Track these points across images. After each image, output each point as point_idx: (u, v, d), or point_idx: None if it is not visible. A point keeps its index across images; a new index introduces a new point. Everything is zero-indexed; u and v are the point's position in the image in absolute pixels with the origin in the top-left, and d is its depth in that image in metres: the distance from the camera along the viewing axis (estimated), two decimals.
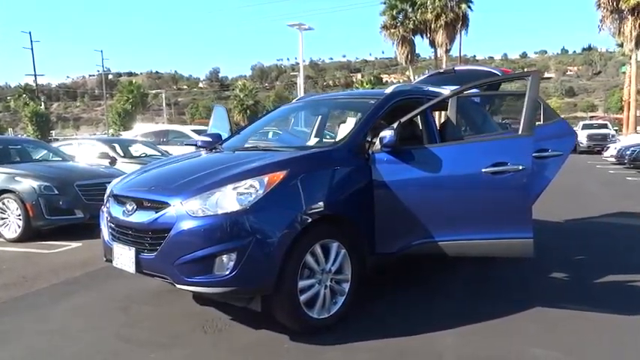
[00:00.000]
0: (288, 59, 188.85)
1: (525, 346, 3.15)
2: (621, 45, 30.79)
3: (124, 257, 3.37)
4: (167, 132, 12.81)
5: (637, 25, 29.02)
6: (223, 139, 5.02)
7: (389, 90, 4.37)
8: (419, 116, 4.69)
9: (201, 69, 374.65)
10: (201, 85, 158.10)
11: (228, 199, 3.08)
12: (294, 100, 5.25)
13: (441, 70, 6.75)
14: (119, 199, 3.63)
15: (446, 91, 5.06)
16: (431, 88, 4.83)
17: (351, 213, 3.53)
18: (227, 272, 3.00)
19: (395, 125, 3.58)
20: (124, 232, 3.44)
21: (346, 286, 3.52)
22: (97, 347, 3.26)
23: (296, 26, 25.77)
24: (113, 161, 9.65)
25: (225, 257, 3.00)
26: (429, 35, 35.83)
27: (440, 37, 34.89)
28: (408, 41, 36.57)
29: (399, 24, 36.24)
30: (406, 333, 3.34)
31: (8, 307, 4.11)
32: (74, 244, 6.39)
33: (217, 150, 4.44)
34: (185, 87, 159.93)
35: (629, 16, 29.06)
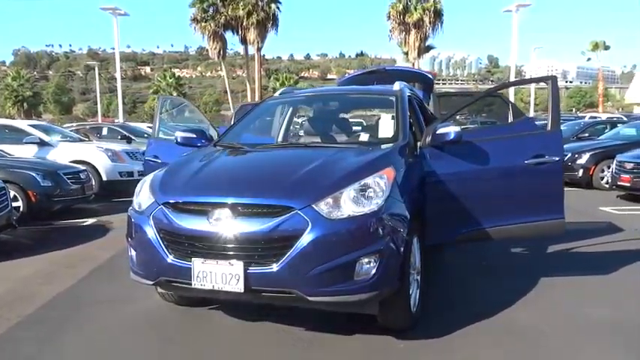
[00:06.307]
0: (60, 45, 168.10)
1: (577, 309, 3.73)
2: (407, 53, 35.82)
3: (220, 275, 2.84)
4: None
5: (419, 37, 34.25)
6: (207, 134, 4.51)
7: (397, 87, 4.52)
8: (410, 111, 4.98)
9: None
10: None
11: (359, 199, 2.90)
12: (276, 94, 4.94)
13: (373, 69, 7.11)
14: (182, 208, 3.02)
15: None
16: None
17: (421, 206, 3.63)
18: (369, 276, 2.83)
19: (452, 121, 3.81)
20: (213, 246, 2.88)
21: (419, 278, 3.61)
22: None
23: (109, 10, 23.18)
24: None
25: (365, 261, 2.82)
26: (240, 32, 36.00)
27: (252, 34, 35.37)
28: (220, 36, 36.17)
29: (209, 18, 35.54)
30: (488, 314, 3.59)
31: None
32: None
33: (235, 146, 3.99)
34: None
35: (413, 29, 34.09)
